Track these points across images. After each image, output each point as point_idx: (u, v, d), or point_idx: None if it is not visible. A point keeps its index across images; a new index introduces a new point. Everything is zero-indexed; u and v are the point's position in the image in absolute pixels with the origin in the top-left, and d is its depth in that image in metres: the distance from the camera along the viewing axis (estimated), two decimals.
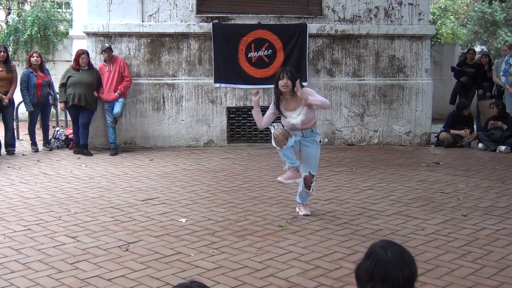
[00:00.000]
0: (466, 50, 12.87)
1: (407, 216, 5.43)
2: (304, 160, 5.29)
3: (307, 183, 5.28)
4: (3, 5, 15.33)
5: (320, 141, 5.31)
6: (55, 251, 4.41)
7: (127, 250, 4.45)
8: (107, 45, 8.94)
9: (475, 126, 10.38)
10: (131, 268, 4.06)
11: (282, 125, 5.19)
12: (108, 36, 9.34)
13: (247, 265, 4.14)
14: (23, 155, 8.82)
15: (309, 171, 5.26)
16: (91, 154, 8.75)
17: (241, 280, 3.85)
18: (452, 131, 9.67)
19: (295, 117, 5.15)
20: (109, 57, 8.93)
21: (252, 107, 5.52)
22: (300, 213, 5.45)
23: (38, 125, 9.66)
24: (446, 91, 12.53)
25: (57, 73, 12.08)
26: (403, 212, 5.58)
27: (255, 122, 9.64)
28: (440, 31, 18.18)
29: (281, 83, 5.12)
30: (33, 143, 9.18)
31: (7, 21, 14.27)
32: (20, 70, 9.89)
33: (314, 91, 5.34)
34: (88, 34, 9.45)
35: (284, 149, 5.08)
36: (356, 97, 9.76)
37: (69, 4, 15.14)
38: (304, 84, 8.29)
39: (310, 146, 5.25)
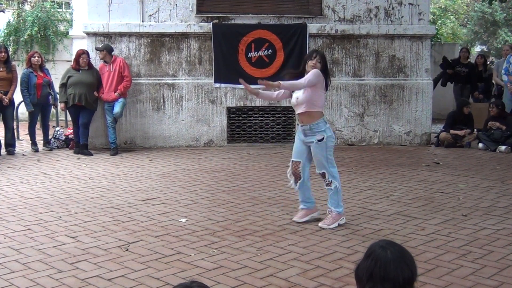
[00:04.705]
0: (459, 49, 12.86)
1: (407, 216, 5.43)
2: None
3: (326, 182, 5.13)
4: (3, 5, 15.32)
5: (319, 140, 4.99)
6: (55, 251, 4.41)
7: (127, 250, 4.45)
8: (100, 46, 8.95)
9: None
10: (131, 268, 4.06)
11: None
12: (108, 36, 9.35)
13: (247, 265, 4.14)
14: (23, 155, 8.82)
15: (319, 172, 5.13)
16: (91, 154, 8.75)
17: (241, 280, 3.85)
18: (451, 131, 9.66)
19: (297, 94, 5.14)
20: (103, 56, 8.92)
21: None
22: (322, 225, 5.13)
23: (38, 125, 9.66)
24: (446, 91, 12.53)
25: (57, 73, 12.11)
26: (403, 212, 5.58)
27: (255, 122, 9.83)
28: (440, 31, 18.20)
29: (310, 63, 5.10)
30: (33, 143, 9.18)
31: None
32: (20, 70, 9.89)
33: (313, 73, 5.02)
34: (88, 34, 9.45)
35: (299, 185, 5.17)
36: (356, 97, 9.76)
37: (69, 4, 15.14)
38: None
39: (312, 145, 5.06)
